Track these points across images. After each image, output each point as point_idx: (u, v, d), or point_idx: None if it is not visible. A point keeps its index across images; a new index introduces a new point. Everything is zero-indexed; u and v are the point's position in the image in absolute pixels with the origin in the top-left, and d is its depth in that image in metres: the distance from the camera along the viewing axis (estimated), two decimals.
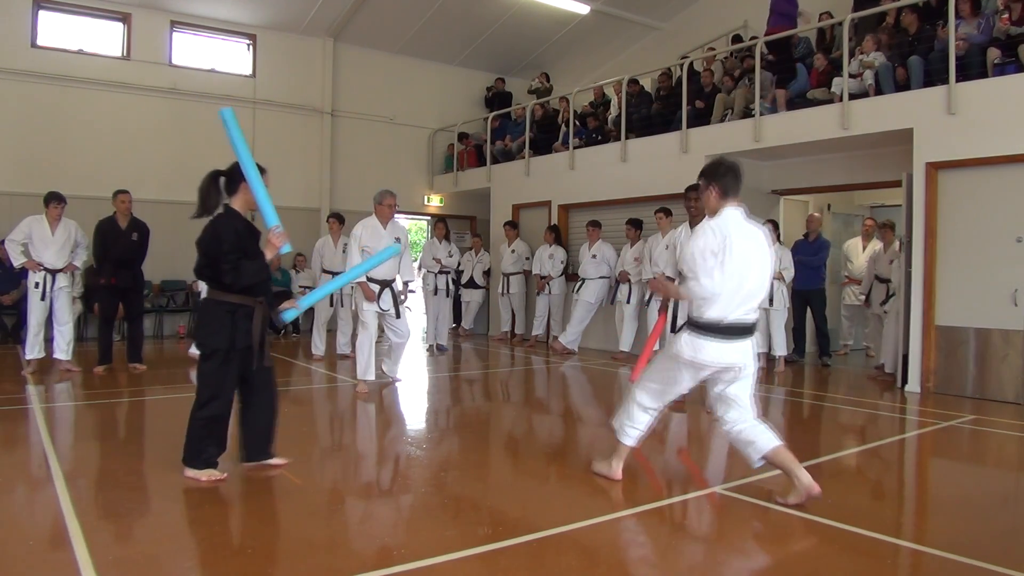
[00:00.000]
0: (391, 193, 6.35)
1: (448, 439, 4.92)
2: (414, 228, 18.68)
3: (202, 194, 3.66)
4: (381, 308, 6.25)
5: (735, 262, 3.30)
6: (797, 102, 7.92)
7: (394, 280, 6.42)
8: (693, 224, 5.50)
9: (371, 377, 6.35)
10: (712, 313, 3.34)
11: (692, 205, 5.57)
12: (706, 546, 3.00)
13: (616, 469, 3.78)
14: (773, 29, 8.78)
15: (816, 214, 8.84)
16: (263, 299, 3.70)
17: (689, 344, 3.40)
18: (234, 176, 3.68)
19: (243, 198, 3.71)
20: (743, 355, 3.42)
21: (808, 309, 8.48)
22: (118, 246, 7.31)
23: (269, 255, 3.67)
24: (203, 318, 3.71)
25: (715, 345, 3.36)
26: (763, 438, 3.48)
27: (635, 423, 3.70)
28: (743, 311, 3.37)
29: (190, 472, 3.69)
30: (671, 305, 5.30)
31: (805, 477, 3.39)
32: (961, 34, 6.57)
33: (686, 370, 3.49)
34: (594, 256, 9.36)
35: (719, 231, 3.36)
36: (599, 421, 5.71)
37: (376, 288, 6.20)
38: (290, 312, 3.90)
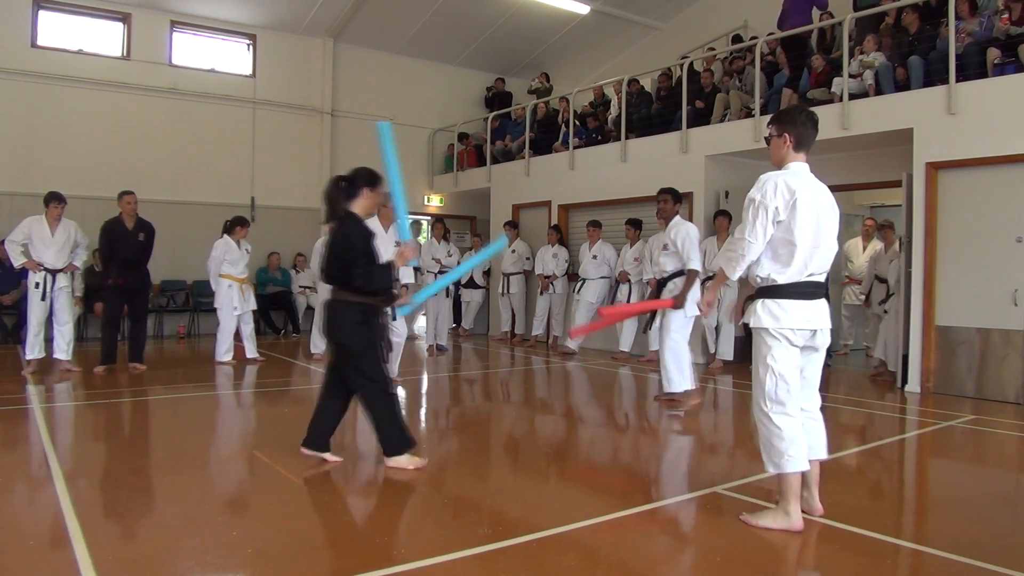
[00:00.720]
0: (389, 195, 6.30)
1: (448, 439, 4.91)
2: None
3: (329, 199, 3.83)
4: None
5: (808, 216, 3.02)
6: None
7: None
8: (667, 223, 6.04)
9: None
10: (791, 271, 3.04)
11: (661, 207, 6.04)
12: (706, 546, 3.00)
13: (796, 516, 3.05)
14: (793, 26, 8.73)
15: None
16: (384, 299, 3.88)
17: (768, 312, 3.05)
18: (356, 182, 3.87)
19: (363, 203, 3.88)
20: (824, 318, 3.09)
21: None
22: (125, 247, 7.32)
23: (399, 264, 3.86)
24: (337, 319, 3.82)
25: (798, 306, 3.03)
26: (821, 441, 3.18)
27: (792, 442, 3.02)
28: (818, 269, 3.09)
29: (397, 461, 3.82)
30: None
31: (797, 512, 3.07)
32: (962, 33, 6.57)
33: (782, 349, 3.05)
34: (594, 256, 9.36)
35: (788, 186, 3.04)
36: (599, 421, 5.72)
37: None
38: (404, 308, 4.07)
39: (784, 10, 9.06)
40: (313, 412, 4.06)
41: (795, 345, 3.07)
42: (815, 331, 3.09)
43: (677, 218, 6.05)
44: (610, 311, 5.98)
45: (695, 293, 5.73)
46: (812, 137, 3.18)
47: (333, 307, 3.86)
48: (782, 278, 3.07)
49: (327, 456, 4.01)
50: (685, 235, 5.84)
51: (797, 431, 3.03)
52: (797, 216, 3.02)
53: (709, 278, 8.04)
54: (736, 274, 3.18)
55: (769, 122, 3.32)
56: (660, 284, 6.15)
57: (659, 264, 6.20)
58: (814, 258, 3.07)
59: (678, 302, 5.57)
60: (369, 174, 3.95)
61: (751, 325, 3.13)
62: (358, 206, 3.86)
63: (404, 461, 3.84)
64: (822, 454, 3.21)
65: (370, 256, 3.73)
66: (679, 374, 5.87)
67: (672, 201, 6.06)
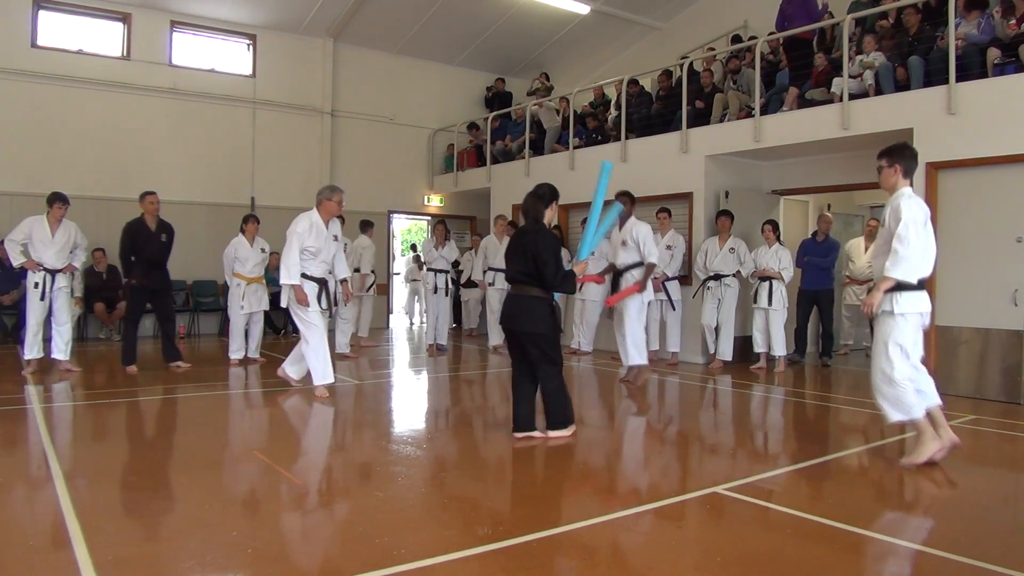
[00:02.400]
0: (340, 190, 6.14)
1: (448, 439, 4.91)
2: (414, 228, 18.70)
3: (532, 212, 4.65)
4: (320, 307, 6.06)
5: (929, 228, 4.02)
6: (798, 102, 7.91)
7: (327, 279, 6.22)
8: (622, 224, 7.03)
9: (331, 380, 6.13)
10: (923, 271, 3.99)
11: (626, 210, 6.92)
12: (706, 546, 3.00)
13: (933, 446, 4.07)
14: (794, 27, 8.70)
15: (828, 214, 8.83)
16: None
17: (911, 303, 3.99)
18: (545, 199, 4.65)
19: (548, 216, 4.66)
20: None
21: (815, 309, 8.47)
22: (148, 247, 7.36)
23: (577, 272, 4.64)
24: (536, 313, 4.49)
25: (925, 295, 4.04)
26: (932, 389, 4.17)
27: (911, 393, 4.05)
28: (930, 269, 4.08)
29: (560, 432, 4.62)
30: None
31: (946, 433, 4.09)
32: (960, 33, 6.57)
33: (916, 327, 4.04)
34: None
35: (923, 204, 4.04)
36: (599, 421, 5.72)
37: (316, 286, 6.01)
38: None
39: (784, 14, 9.02)
40: (513, 399, 4.72)
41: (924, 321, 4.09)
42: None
43: (633, 218, 7.05)
44: (613, 299, 7.12)
45: (650, 282, 6.87)
46: (914, 167, 4.19)
47: (530, 303, 4.50)
48: (918, 277, 3.99)
49: (535, 434, 4.64)
50: (644, 234, 6.83)
51: (923, 384, 4.14)
52: (928, 227, 4.03)
53: (714, 277, 8.08)
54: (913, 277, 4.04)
55: (880, 155, 4.21)
56: (618, 274, 7.02)
57: (619, 258, 7.04)
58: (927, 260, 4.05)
59: (641, 287, 6.69)
60: (552, 190, 4.75)
61: (895, 322, 4.02)
62: (547, 216, 4.66)
63: (564, 432, 4.64)
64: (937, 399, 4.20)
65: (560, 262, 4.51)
66: (636, 351, 6.77)
67: (630, 203, 7.03)
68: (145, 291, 7.40)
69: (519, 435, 4.63)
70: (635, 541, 3.05)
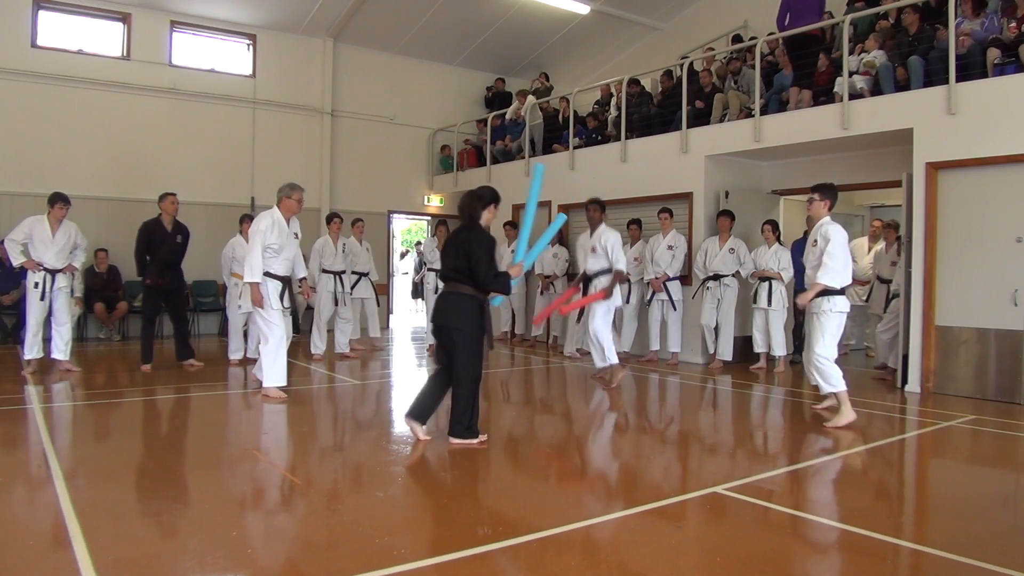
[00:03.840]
0: (300, 187, 6.12)
1: (448, 439, 4.91)
2: (414, 228, 18.69)
3: (468, 211, 4.56)
4: (283, 306, 6.01)
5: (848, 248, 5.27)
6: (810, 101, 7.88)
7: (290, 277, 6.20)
8: (593, 230, 7.14)
9: (283, 382, 6.03)
10: (844, 280, 5.23)
11: (592, 215, 7.11)
12: (706, 546, 3.00)
13: (851, 414, 5.18)
14: (794, 26, 8.67)
15: None
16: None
17: (839, 304, 5.27)
18: (484, 200, 4.59)
19: (486, 218, 4.61)
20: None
21: None
22: (164, 247, 7.42)
23: (513, 275, 4.62)
24: (464, 309, 4.43)
25: (846, 298, 5.35)
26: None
27: (837, 373, 5.24)
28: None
29: (462, 441, 4.47)
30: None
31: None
32: (966, 30, 6.55)
33: (841, 321, 5.33)
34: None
35: (842, 229, 5.26)
36: (599, 421, 5.72)
37: (279, 285, 5.97)
38: (497, 299, 4.91)
39: (789, 8, 8.98)
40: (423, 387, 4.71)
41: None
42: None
43: (603, 226, 7.10)
44: (568, 307, 7.37)
45: (618, 289, 7.03)
46: (835, 202, 5.47)
47: (458, 300, 4.45)
48: (840, 284, 5.26)
49: (418, 428, 4.62)
50: (612, 241, 6.89)
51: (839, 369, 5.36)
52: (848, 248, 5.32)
53: (713, 277, 8.09)
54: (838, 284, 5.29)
55: (813, 189, 5.46)
56: (587, 280, 7.12)
57: (588, 264, 7.10)
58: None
59: (607, 293, 6.81)
60: (493, 193, 4.70)
61: (828, 317, 5.27)
62: (483, 219, 4.60)
63: (468, 441, 4.48)
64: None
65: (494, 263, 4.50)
66: (605, 353, 6.86)
67: (599, 211, 7.13)
68: (160, 291, 7.48)
69: (406, 418, 4.67)
70: (635, 541, 3.04)
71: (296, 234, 6.13)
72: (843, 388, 5.24)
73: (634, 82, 10.05)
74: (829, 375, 5.25)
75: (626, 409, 6.15)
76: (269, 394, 5.94)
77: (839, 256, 5.16)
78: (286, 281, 6.08)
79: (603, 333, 6.88)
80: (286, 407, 5.74)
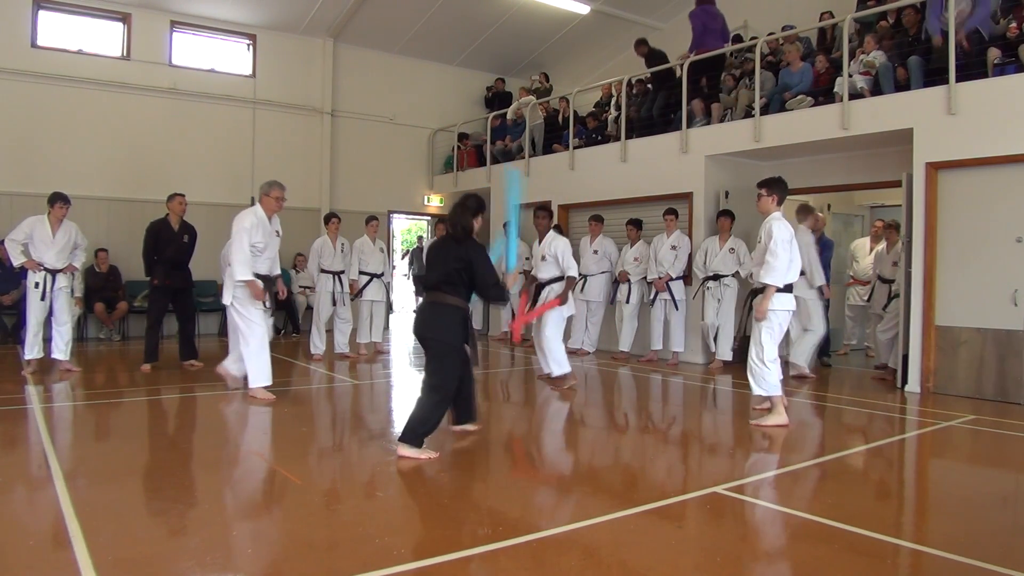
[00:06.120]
0: (280, 185, 6.06)
1: (448, 439, 4.91)
2: (414, 228, 18.68)
3: (461, 222, 4.41)
4: (266, 305, 5.97)
5: (795, 244, 4.98)
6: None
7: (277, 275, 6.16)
8: (542, 238, 7.07)
9: (268, 382, 5.96)
10: (789, 278, 4.98)
11: (540, 223, 7.06)
12: (706, 546, 3.00)
13: (780, 419, 5.04)
14: (701, 50, 9.12)
15: (820, 213, 8.83)
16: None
17: (783, 301, 5.01)
18: (471, 208, 4.46)
19: (475, 226, 4.52)
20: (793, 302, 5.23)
21: None
22: (172, 247, 7.43)
23: (508, 284, 4.58)
24: (447, 320, 4.29)
25: (791, 296, 5.09)
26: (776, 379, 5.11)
27: (774, 376, 5.07)
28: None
29: (412, 452, 4.18)
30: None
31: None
32: (962, 10, 6.53)
33: (784, 321, 5.10)
34: (595, 251, 9.32)
35: (788, 225, 5.01)
36: (599, 421, 5.72)
37: (260, 284, 5.89)
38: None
39: (702, 29, 9.33)
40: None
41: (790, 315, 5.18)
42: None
43: (551, 233, 7.07)
44: (526, 317, 7.14)
45: (571, 296, 6.94)
46: (784, 197, 5.14)
47: (441, 311, 4.31)
48: (784, 282, 4.98)
49: (469, 427, 4.75)
50: (562, 248, 6.81)
51: (779, 369, 5.19)
52: (794, 243, 5.02)
53: (713, 277, 8.08)
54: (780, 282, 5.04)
55: (759, 184, 5.17)
56: (539, 288, 7.06)
57: (540, 272, 7.07)
58: (795, 269, 5.08)
59: (562, 300, 6.64)
60: (479, 202, 4.53)
61: (770, 316, 5.03)
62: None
63: (417, 452, 4.18)
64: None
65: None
66: (556, 364, 6.75)
67: (547, 217, 7.14)
68: (167, 290, 7.49)
69: (455, 428, 4.77)
70: (635, 541, 3.04)
71: (277, 232, 6.11)
72: (778, 393, 5.09)
73: (639, 82, 10.05)
74: (762, 377, 5.08)
75: (626, 409, 6.15)
76: (255, 395, 5.88)
77: (782, 255, 4.92)
78: (267, 280, 6.01)
79: (555, 342, 6.80)
80: (285, 408, 5.74)
